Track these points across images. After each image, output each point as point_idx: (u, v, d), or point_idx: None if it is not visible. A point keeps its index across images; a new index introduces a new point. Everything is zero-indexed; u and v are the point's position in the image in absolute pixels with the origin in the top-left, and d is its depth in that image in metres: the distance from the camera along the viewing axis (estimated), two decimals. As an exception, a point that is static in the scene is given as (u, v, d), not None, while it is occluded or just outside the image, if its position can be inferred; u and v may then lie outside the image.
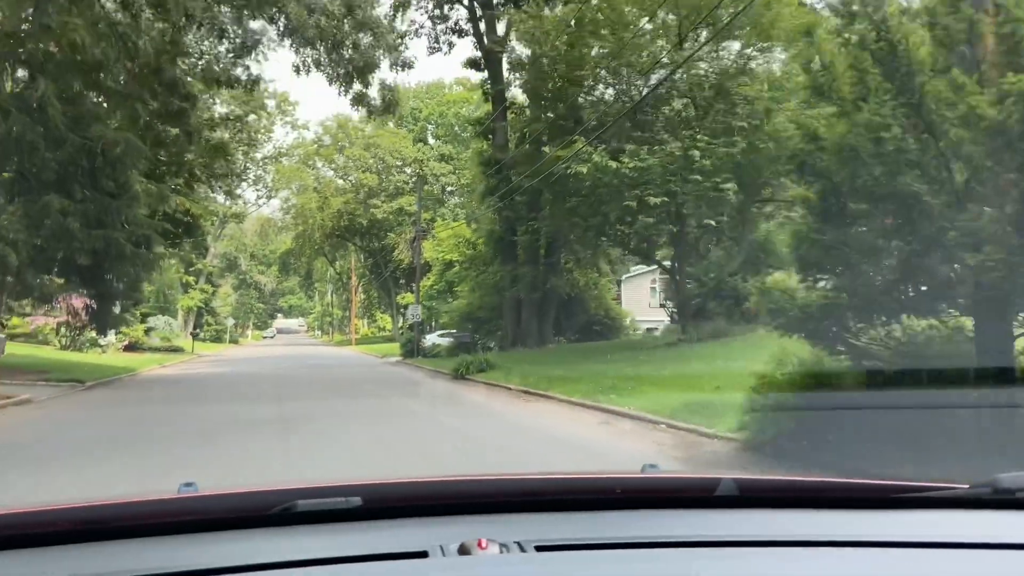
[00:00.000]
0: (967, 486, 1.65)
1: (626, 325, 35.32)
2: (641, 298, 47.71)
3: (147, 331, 41.95)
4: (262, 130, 63.60)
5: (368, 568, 1.30)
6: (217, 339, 69.69)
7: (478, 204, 32.35)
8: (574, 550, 1.39)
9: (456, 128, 71.09)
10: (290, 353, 49.66)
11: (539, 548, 1.35)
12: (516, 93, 28.92)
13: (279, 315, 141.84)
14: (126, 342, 37.12)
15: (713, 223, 19.06)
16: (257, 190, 70.53)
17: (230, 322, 71.97)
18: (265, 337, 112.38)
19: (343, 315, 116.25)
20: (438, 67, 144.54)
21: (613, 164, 17.08)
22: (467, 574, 1.30)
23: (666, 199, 16.80)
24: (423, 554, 1.33)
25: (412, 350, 35.97)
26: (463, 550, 1.32)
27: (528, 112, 26.96)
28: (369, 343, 66.68)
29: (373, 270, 72.58)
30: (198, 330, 69.36)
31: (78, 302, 22.18)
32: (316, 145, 67.76)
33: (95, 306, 21.95)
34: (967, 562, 1.40)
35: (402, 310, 73.42)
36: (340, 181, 67.38)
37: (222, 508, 1.57)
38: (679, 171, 16.97)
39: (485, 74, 28.38)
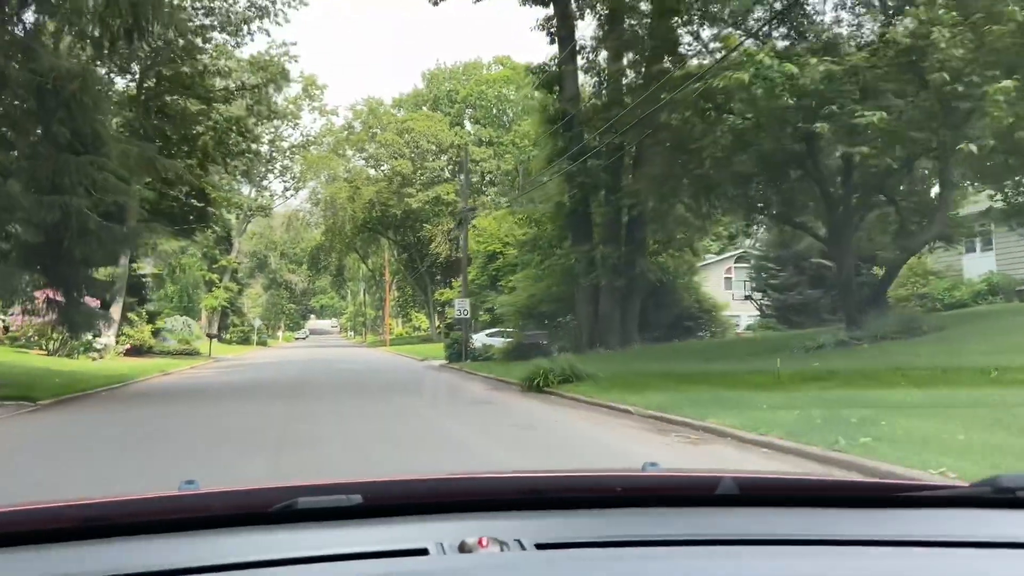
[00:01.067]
0: (967, 485, 1.70)
1: (722, 320, 29.44)
2: (711, 289, 41.61)
3: (156, 332, 37.12)
4: (286, 112, 59.00)
5: (368, 565, 1.29)
6: (245, 340, 65.24)
7: (540, 170, 26.74)
8: (574, 548, 1.38)
9: (496, 111, 65.71)
10: (319, 355, 44.79)
11: (539, 546, 1.34)
12: (586, 33, 23.41)
13: (311, 316, 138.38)
14: (128, 345, 32.30)
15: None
16: (284, 181, 65.98)
17: (257, 322, 67.45)
18: (297, 338, 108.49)
19: (376, 314, 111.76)
20: (478, 43, 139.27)
21: (790, 68, 10.97)
22: (467, 572, 1.28)
23: (883, 115, 10.56)
24: (423, 551, 1.32)
25: (459, 352, 30.60)
26: (463, 548, 1.31)
27: (602, 50, 21.36)
28: (404, 343, 61.67)
29: (408, 265, 67.54)
30: (223, 331, 65.08)
31: (40, 295, 17.12)
32: (346, 131, 62.87)
33: (61, 300, 16.80)
34: (967, 561, 1.39)
35: (439, 308, 68.26)
36: (372, 171, 62.44)
37: (223, 505, 1.56)
38: (906, 68, 10.91)
39: (550, 9, 22.93)
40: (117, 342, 31.36)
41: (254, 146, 38.74)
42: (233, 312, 64.80)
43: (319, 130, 63.33)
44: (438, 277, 65.66)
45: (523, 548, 1.33)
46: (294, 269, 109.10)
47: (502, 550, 1.31)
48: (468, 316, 31.60)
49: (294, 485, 1.56)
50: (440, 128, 58.51)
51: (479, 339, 34.24)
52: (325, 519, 1.47)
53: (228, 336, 64.57)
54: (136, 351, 32.94)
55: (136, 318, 34.96)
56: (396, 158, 59.40)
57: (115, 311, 29.18)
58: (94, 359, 27.86)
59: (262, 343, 70.16)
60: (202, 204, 36.73)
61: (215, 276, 61.79)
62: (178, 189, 32.08)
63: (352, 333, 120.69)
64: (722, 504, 1.61)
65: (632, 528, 1.49)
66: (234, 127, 33.84)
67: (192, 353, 38.15)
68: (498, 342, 31.26)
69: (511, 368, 20.04)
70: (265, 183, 65.04)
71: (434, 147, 57.89)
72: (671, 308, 24.68)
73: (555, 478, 1.85)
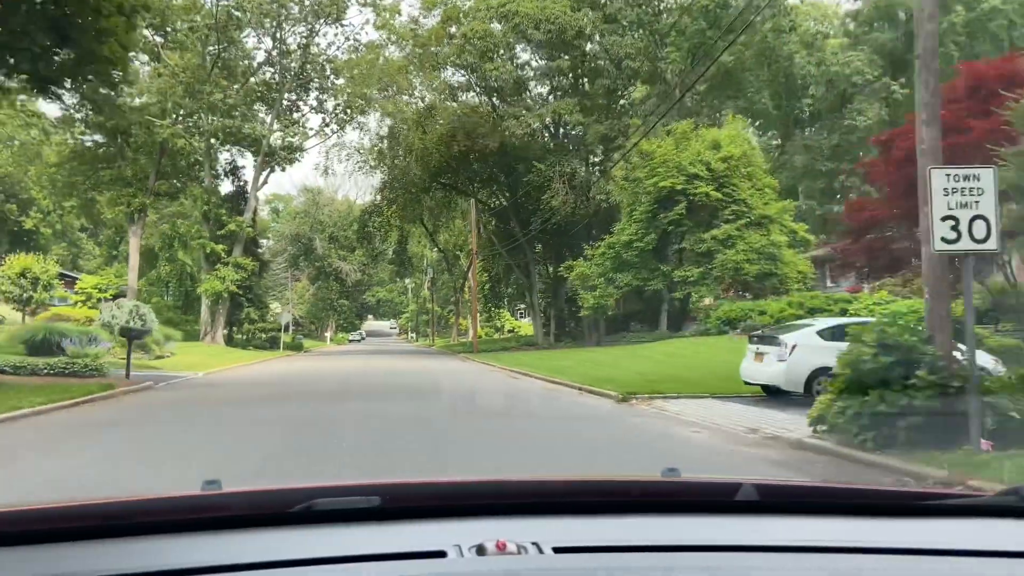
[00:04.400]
0: (992, 494, 1.70)
1: None
2: None
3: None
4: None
5: (386, 567, 1.30)
6: (271, 342, 44.95)
7: None
8: (592, 552, 1.38)
9: None
10: (371, 368, 24.26)
11: (557, 550, 1.34)
12: None
13: (368, 316, 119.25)
14: None
15: None
16: (323, 112, 45.23)
17: (285, 317, 46.93)
18: (351, 340, 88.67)
19: (447, 311, 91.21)
20: None
21: None
22: (485, 574, 1.28)
23: None
24: (441, 554, 1.31)
25: (808, 382, 8.81)
26: (481, 550, 1.31)
27: None
28: (494, 349, 40.24)
29: (500, 233, 46.07)
30: (234, 329, 44.90)
31: None
32: (411, 29, 41.73)
33: None
34: (991, 570, 1.38)
35: (545, 298, 46.64)
36: (455, 79, 41.01)
37: (244, 505, 1.57)
38: None
39: None
40: None
41: None
42: (250, 303, 44.43)
43: (371, 36, 42.14)
44: (540, 248, 43.98)
45: (541, 551, 1.33)
46: (345, 256, 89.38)
47: (520, 553, 1.31)
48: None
49: (314, 486, 1.56)
50: (557, 7, 36.56)
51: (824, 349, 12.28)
52: (345, 520, 1.48)
53: (241, 335, 44.40)
54: None
55: None
56: (488, 60, 38.00)
57: None
58: None
59: (295, 347, 49.91)
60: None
61: (221, 248, 41.59)
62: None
63: (414, 335, 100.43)
64: (742, 511, 1.59)
65: (650, 533, 1.48)
66: None
67: (85, 374, 17.26)
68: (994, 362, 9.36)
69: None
70: (296, 112, 44.59)
71: (550, 34, 36.12)
72: None
73: (573, 482, 1.90)
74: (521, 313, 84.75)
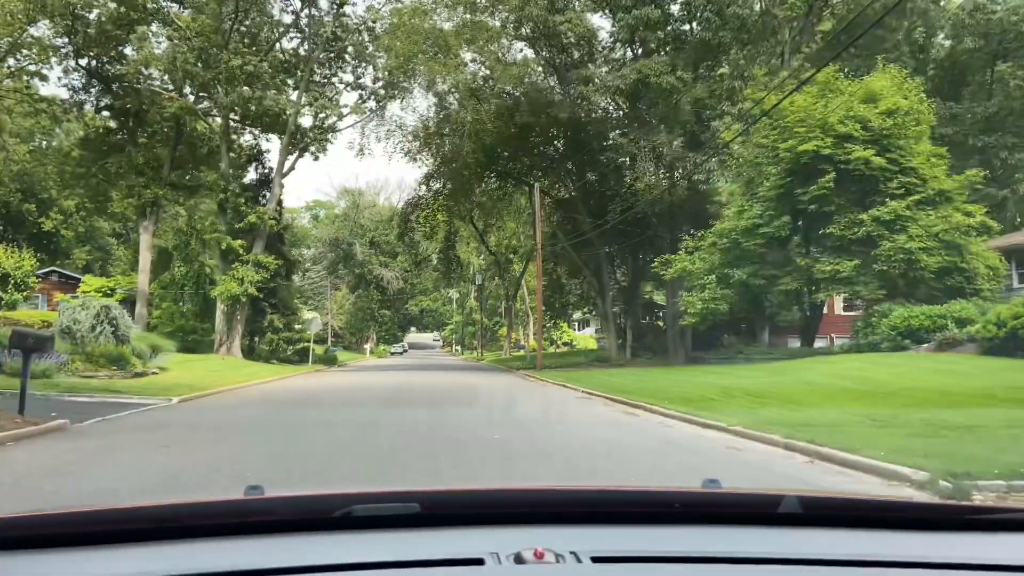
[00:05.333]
0: None
1: None
2: None
3: None
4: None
5: (424, 574, 1.30)
6: (301, 355, 38.51)
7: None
8: (631, 563, 1.36)
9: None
10: (408, 393, 17.36)
11: (595, 559, 1.32)
12: None
13: (411, 328, 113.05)
14: None
15: None
16: (360, 88, 38.71)
17: (315, 325, 40.36)
18: (392, 353, 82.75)
19: (493, 323, 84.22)
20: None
21: None
22: None
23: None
24: (479, 561, 1.31)
25: None
26: (519, 559, 1.30)
27: None
28: (560, 366, 33.01)
29: (566, 229, 38.90)
30: (257, 339, 38.55)
31: None
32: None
33: None
34: None
35: (618, 306, 39.29)
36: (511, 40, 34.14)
37: (286, 510, 1.58)
38: None
39: None
40: None
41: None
42: (273, 309, 38.00)
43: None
44: (613, 247, 36.68)
45: (579, 561, 1.31)
46: (387, 262, 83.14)
47: (558, 562, 1.30)
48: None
49: (355, 492, 1.58)
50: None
51: None
52: (384, 526, 1.48)
53: (265, 346, 37.97)
54: None
55: None
56: (558, 12, 31.09)
57: None
58: None
59: (328, 360, 43.43)
60: None
61: (239, 244, 35.28)
62: None
63: (459, 348, 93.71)
64: (785, 523, 1.56)
65: (690, 545, 1.44)
66: None
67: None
68: None
69: None
70: (329, 87, 38.16)
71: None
72: None
73: (612, 492, 1.87)
74: (578, 324, 77.47)
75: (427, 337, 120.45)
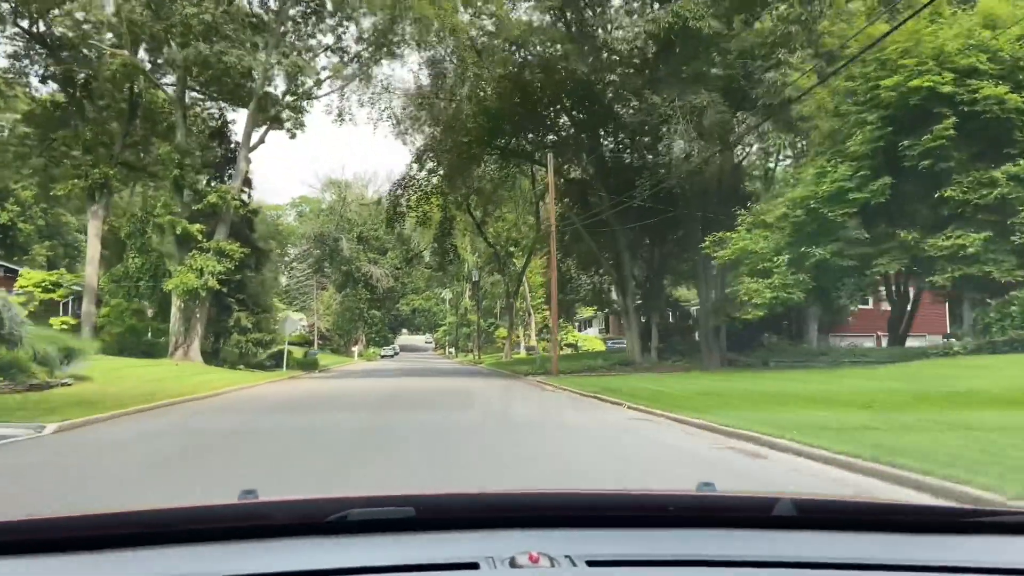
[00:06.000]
0: None
1: None
2: None
3: None
4: None
5: None
6: (274, 361, 33.07)
7: None
8: (625, 566, 1.35)
9: None
10: (403, 391, 11.95)
11: (590, 563, 1.32)
12: None
13: (403, 330, 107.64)
14: None
15: None
16: (340, 51, 33.29)
17: (290, 325, 34.87)
18: (383, 356, 77.59)
19: (488, 324, 78.85)
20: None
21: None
22: None
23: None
24: (474, 565, 1.30)
25: None
26: (513, 563, 1.29)
27: None
28: (576, 371, 27.74)
29: (578, 213, 33.67)
30: (221, 342, 33.10)
31: None
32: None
33: None
34: None
35: (633, 302, 33.91)
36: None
37: (280, 514, 1.56)
38: None
39: None
40: None
41: None
42: (241, 306, 32.53)
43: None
44: (636, 229, 31.35)
45: (574, 565, 1.31)
46: (376, 259, 77.62)
47: (553, 566, 1.29)
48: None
49: (350, 496, 1.56)
50: None
51: None
52: (379, 530, 1.47)
53: (233, 348, 32.51)
54: None
55: None
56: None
57: None
58: None
59: (308, 364, 38.03)
60: None
61: (197, 229, 29.82)
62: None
63: (453, 350, 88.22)
64: (779, 526, 1.55)
65: (684, 548, 1.44)
66: None
67: None
68: None
69: None
70: (303, 48, 32.80)
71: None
72: None
73: (607, 496, 1.86)
74: (579, 325, 72.30)
75: (419, 339, 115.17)
